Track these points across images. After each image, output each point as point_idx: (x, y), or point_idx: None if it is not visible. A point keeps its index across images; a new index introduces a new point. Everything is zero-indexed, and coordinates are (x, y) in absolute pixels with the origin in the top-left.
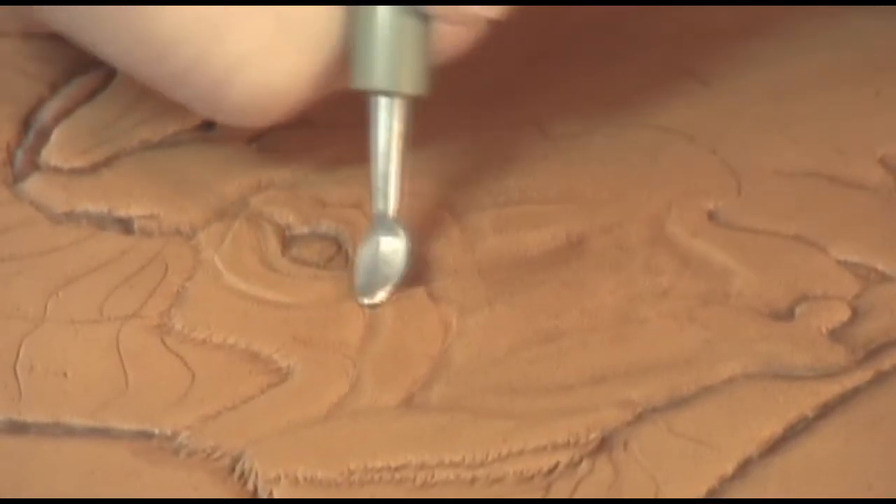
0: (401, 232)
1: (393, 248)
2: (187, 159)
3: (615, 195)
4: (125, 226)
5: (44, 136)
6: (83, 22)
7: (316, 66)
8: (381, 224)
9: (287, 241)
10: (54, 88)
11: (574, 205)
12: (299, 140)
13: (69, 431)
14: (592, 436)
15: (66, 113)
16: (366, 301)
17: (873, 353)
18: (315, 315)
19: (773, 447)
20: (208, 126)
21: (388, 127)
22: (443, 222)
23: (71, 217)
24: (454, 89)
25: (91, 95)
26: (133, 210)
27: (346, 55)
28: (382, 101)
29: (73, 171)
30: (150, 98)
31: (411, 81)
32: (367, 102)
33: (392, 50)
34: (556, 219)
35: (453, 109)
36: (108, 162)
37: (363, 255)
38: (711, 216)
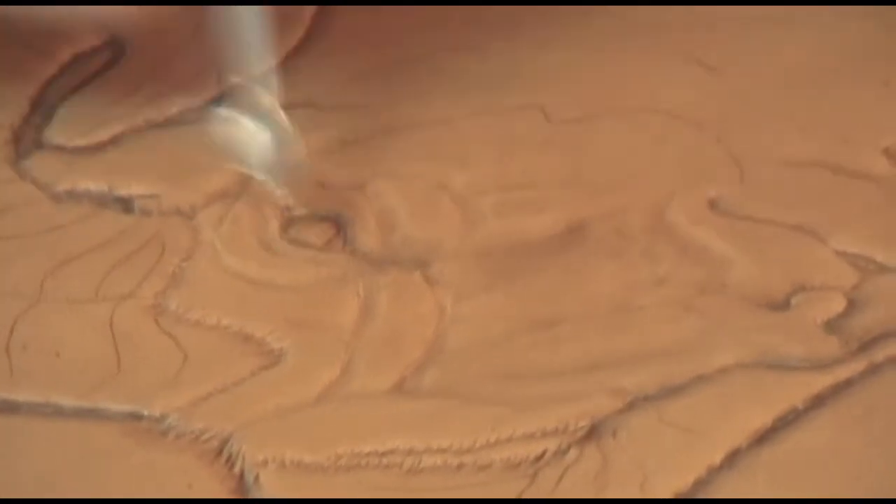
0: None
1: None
2: (191, 139)
3: (618, 181)
4: (125, 205)
5: (49, 114)
6: None
7: None
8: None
9: (287, 222)
10: (62, 67)
11: (576, 190)
12: (301, 121)
13: (60, 411)
14: (582, 423)
15: (72, 91)
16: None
17: (867, 344)
18: (310, 297)
19: (762, 438)
20: (214, 105)
21: None
22: (443, 205)
23: (72, 195)
24: (460, 74)
25: (98, 74)
26: (134, 189)
27: None
28: None
29: (77, 150)
30: (155, 78)
31: None
32: None
33: None
34: (557, 204)
35: (458, 93)
36: (112, 141)
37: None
38: (713, 204)
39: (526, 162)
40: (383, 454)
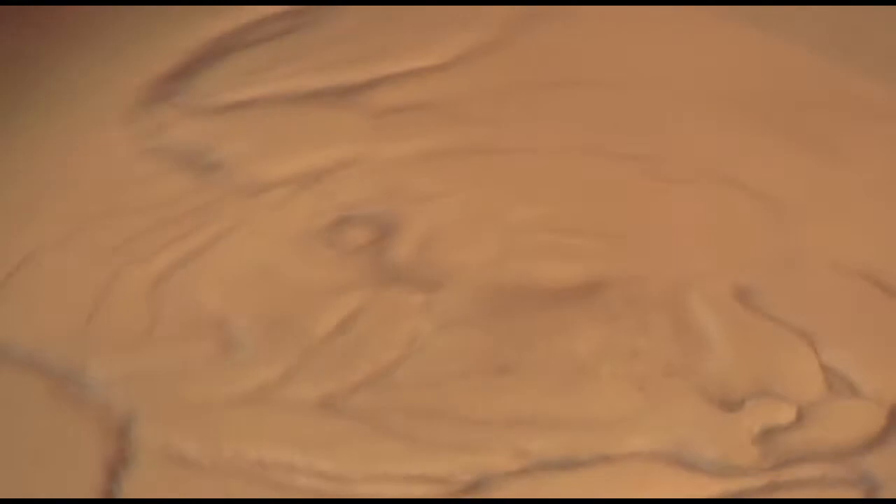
0: None
1: None
2: (305, 119)
3: (661, 249)
4: (203, 171)
5: (195, 72)
6: None
7: None
8: None
9: (338, 220)
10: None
11: (616, 248)
12: (399, 126)
13: (11, 357)
14: (466, 477)
15: (224, 53)
16: None
17: (784, 463)
18: (302, 299)
19: None
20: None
21: None
22: (486, 235)
23: (159, 150)
24: (567, 109)
25: (265, 40)
26: (219, 155)
27: None
28: None
29: (197, 109)
30: (304, 55)
31: None
32: None
33: None
34: (588, 257)
35: (556, 128)
36: (236, 106)
37: None
38: (739, 292)
39: (586, 208)
40: (266, 465)
